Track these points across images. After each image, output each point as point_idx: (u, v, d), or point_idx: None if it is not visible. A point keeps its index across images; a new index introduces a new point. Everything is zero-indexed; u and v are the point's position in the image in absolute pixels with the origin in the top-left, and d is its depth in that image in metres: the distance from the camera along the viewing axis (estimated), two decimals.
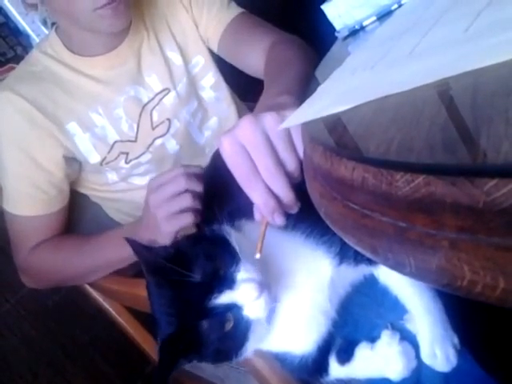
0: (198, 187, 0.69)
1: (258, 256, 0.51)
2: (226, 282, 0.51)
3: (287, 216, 0.51)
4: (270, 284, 0.52)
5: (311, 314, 0.59)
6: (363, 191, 0.27)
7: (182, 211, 0.69)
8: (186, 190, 0.68)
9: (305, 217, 0.51)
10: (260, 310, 0.51)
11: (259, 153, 0.47)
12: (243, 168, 0.48)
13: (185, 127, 0.98)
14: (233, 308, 0.51)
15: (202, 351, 0.52)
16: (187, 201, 0.68)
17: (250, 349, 0.54)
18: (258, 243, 0.51)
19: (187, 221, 0.68)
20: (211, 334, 0.51)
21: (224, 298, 0.50)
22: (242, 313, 0.51)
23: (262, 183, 0.48)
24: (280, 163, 0.48)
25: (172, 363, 0.52)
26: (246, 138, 0.47)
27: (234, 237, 0.55)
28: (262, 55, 0.87)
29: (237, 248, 0.53)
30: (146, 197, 0.73)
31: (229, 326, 0.51)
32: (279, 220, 0.50)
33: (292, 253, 0.58)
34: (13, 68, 0.98)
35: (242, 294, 0.50)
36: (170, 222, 0.69)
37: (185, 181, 0.68)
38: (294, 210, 0.51)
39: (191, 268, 0.51)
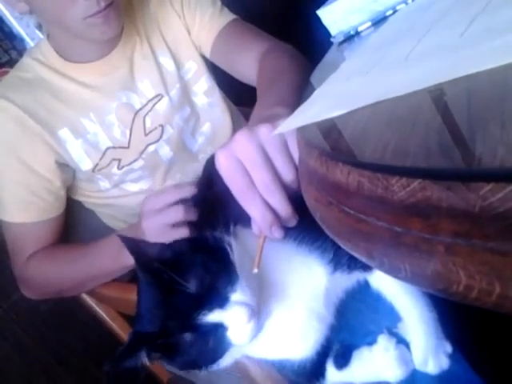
0: (194, 216, 0.69)
1: (255, 271, 0.50)
2: (218, 299, 0.50)
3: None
4: (261, 312, 0.52)
5: (307, 321, 0.59)
6: (359, 196, 0.27)
7: None
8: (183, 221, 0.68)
9: (296, 224, 0.51)
10: (244, 337, 0.50)
11: (255, 167, 0.47)
12: (240, 182, 0.48)
13: (178, 133, 0.97)
14: (219, 327, 0.50)
15: (175, 358, 0.52)
16: (184, 235, 0.68)
17: (220, 364, 0.54)
18: (256, 258, 0.51)
19: None
20: (191, 348, 0.51)
21: (213, 317, 0.49)
22: (226, 334, 0.50)
23: (259, 197, 0.48)
24: (277, 176, 0.48)
25: (137, 356, 0.52)
26: (242, 152, 0.47)
27: (234, 249, 0.54)
28: (255, 63, 0.87)
29: (236, 264, 0.52)
30: (140, 215, 0.73)
31: (211, 343, 0.50)
32: (277, 233, 0.49)
33: (285, 261, 0.58)
34: (7, 72, 0.97)
35: (232, 317, 0.49)
36: None
37: (183, 212, 0.68)
38: (293, 224, 0.50)
39: (187, 276, 0.50)
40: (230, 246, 0.54)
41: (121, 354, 0.51)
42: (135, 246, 0.55)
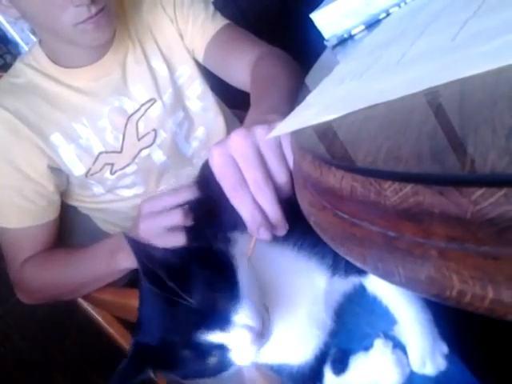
0: (191, 222, 0.67)
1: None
2: (221, 319, 0.48)
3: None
4: (266, 332, 0.50)
5: (308, 326, 0.59)
6: (352, 200, 0.27)
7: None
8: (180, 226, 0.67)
9: (295, 229, 0.51)
10: (247, 358, 0.49)
11: (249, 165, 0.47)
12: (232, 179, 0.47)
13: (171, 138, 0.97)
14: (220, 348, 0.48)
15: (176, 371, 0.51)
16: (180, 240, 0.66)
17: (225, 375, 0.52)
18: (248, 252, 0.51)
19: None
20: (191, 364, 0.49)
21: (214, 337, 0.48)
22: (227, 354, 0.48)
23: (249, 196, 0.47)
24: (269, 177, 0.48)
25: (140, 370, 0.50)
26: (237, 149, 0.47)
27: (240, 263, 0.52)
28: (248, 69, 0.87)
29: (242, 283, 0.50)
30: (136, 217, 0.72)
31: (211, 362, 0.49)
32: (265, 235, 0.49)
33: (286, 267, 0.58)
34: (1, 76, 0.97)
35: (234, 339, 0.47)
36: None
37: (181, 217, 0.66)
38: (282, 232, 0.50)
39: (190, 289, 0.48)
40: (236, 260, 0.53)
41: (125, 367, 0.50)
42: (140, 248, 0.53)
